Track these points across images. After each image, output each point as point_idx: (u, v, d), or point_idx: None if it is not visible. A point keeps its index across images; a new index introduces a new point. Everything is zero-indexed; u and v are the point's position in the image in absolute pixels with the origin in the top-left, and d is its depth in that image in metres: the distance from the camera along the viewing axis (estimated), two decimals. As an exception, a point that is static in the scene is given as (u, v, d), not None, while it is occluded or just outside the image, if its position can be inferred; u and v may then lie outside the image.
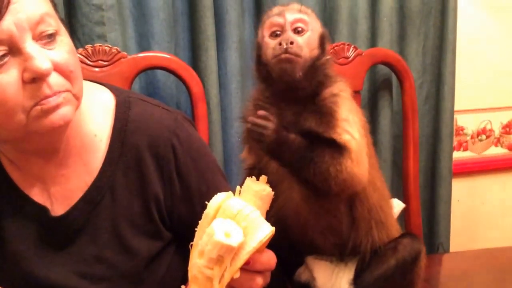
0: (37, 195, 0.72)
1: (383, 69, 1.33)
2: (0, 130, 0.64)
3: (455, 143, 1.51)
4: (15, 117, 0.61)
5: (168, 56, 1.11)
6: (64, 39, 0.64)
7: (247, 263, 0.57)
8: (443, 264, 1.28)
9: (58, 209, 0.72)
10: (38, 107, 0.61)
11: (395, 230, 0.85)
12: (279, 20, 0.75)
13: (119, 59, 1.06)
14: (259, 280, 0.61)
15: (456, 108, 1.38)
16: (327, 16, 1.30)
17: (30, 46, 0.60)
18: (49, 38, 0.62)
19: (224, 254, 0.55)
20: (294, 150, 0.70)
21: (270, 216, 0.59)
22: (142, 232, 0.74)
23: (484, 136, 1.56)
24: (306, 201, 0.77)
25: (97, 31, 1.07)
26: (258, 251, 0.58)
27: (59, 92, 0.62)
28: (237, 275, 0.57)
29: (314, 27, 0.76)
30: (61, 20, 0.67)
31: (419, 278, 0.83)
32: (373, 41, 1.31)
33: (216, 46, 1.17)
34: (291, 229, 0.79)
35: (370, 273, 0.79)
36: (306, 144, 0.71)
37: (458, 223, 1.50)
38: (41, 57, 0.60)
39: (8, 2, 0.58)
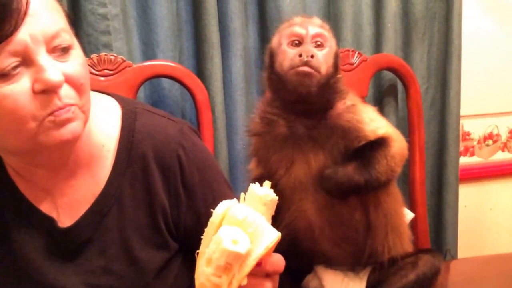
0: (44, 206, 0.72)
1: (388, 75, 1.33)
2: (10, 140, 0.65)
3: (461, 149, 1.51)
4: (26, 125, 0.62)
5: (173, 65, 1.12)
6: (77, 52, 0.65)
7: (258, 264, 0.57)
8: (451, 270, 1.27)
9: (65, 220, 0.72)
10: (52, 118, 0.62)
11: (408, 237, 0.85)
12: (300, 30, 0.75)
13: (125, 68, 1.07)
14: (268, 285, 0.61)
15: (462, 113, 1.38)
16: (331, 23, 1.30)
17: (43, 59, 0.61)
18: (63, 52, 0.63)
19: (232, 261, 0.56)
20: (354, 178, 0.73)
21: (281, 229, 0.59)
22: (150, 243, 0.74)
23: (490, 141, 1.56)
24: (320, 213, 0.77)
25: (103, 40, 1.09)
26: (266, 254, 0.58)
27: (69, 105, 0.63)
28: (245, 281, 0.57)
29: (331, 44, 0.78)
30: (74, 33, 0.67)
31: None
32: (377, 47, 1.32)
33: (220, 54, 1.18)
34: (303, 242, 0.79)
35: (388, 286, 0.79)
36: (357, 165, 0.73)
37: (466, 229, 1.50)
38: (53, 70, 0.61)
39: (25, 14, 0.59)
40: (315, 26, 0.77)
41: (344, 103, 0.78)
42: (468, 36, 1.40)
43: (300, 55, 0.73)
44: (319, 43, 0.76)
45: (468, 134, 1.54)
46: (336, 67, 0.78)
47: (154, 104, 1.18)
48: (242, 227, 0.57)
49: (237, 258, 0.55)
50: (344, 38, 1.28)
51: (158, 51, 1.15)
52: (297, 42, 0.75)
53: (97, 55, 1.06)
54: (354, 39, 1.29)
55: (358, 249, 0.79)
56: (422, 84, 1.35)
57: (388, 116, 1.33)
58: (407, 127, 1.31)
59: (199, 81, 1.13)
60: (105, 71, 1.06)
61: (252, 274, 0.57)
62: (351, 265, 0.81)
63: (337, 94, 0.78)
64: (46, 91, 0.61)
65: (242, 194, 0.61)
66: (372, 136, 0.76)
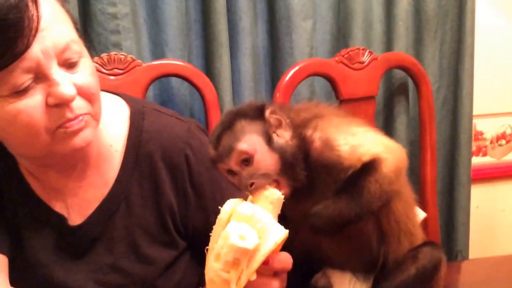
0: (55, 204, 0.74)
1: (399, 74, 1.33)
2: (24, 149, 0.68)
3: (473, 148, 1.51)
4: (39, 138, 0.64)
5: (182, 64, 1.13)
6: (86, 61, 0.67)
7: (265, 263, 0.58)
8: (462, 271, 1.27)
9: (75, 218, 0.74)
10: (62, 130, 0.64)
11: (421, 239, 0.84)
12: (224, 166, 0.68)
13: (134, 67, 1.09)
14: (276, 284, 0.62)
15: (474, 112, 1.38)
16: (341, 21, 1.31)
17: (56, 73, 0.62)
18: (73, 63, 0.64)
19: (240, 256, 0.57)
20: (345, 213, 0.68)
21: (292, 249, 0.59)
22: (157, 241, 0.76)
23: (503, 141, 1.55)
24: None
25: (112, 40, 1.11)
26: (274, 252, 0.60)
27: (81, 115, 0.65)
28: (254, 277, 0.58)
29: (256, 143, 0.67)
30: (81, 37, 0.69)
31: (439, 287, 0.82)
32: (388, 46, 1.32)
33: (229, 53, 1.19)
34: (316, 261, 0.78)
35: (389, 281, 0.79)
36: (347, 198, 0.69)
37: (477, 230, 1.50)
38: (66, 84, 0.62)
39: (36, 31, 0.60)
40: (233, 155, 0.67)
41: (317, 136, 0.71)
42: (481, 34, 1.39)
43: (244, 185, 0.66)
44: (246, 162, 0.67)
45: (481, 133, 1.53)
46: (270, 142, 0.68)
47: (163, 103, 1.20)
48: (251, 223, 0.58)
49: (245, 254, 0.57)
50: (354, 36, 1.28)
51: (167, 50, 1.17)
52: (231, 173, 0.69)
53: (107, 54, 1.08)
54: (365, 37, 1.30)
55: (372, 258, 0.79)
56: (434, 83, 1.35)
57: (399, 115, 1.34)
58: (418, 127, 1.31)
59: (208, 80, 1.14)
60: (115, 70, 1.08)
61: (259, 273, 0.59)
62: (368, 271, 0.81)
63: (307, 126, 0.71)
64: (59, 104, 0.63)
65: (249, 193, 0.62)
66: (358, 164, 0.70)
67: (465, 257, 1.41)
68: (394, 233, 0.78)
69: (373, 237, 0.76)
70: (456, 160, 1.38)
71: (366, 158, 0.71)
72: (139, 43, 1.15)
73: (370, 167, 0.70)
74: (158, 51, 1.18)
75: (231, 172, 0.68)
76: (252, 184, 0.65)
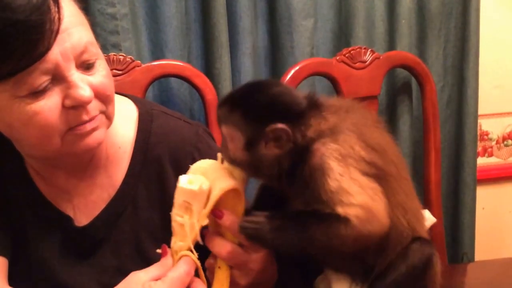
0: (62, 205, 0.78)
1: (402, 73, 1.37)
2: (36, 150, 0.72)
3: (479, 149, 1.54)
4: (51, 140, 0.67)
5: (181, 64, 1.18)
6: (102, 63, 0.71)
7: (219, 216, 0.65)
8: (467, 274, 1.30)
9: (81, 219, 0.78)
10: (73, 133, 0.68)
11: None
12: None
13: (133, 68, 1.13)
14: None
15: (480, 112, 1.42)
16: (343, 19, 1.35)
17: (74, 75, 0.66)
18: (90, 64, 0.68)
19: (190, 200, 0.65)
20: (266, 237, 0.67)
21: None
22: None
23: (510, 141, 1.59)
24: None
25: (112, 40, 1.15)
26: (226, 208, 0.66)
27: (95, 116, 0.69)
28: (205, 222, 0.66)
29: (235, 137, 0.68)
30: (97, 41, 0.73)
31: (435, 284, 0.84)
32: (391, 44, 1.36)
33: (229, 53, 1.23)
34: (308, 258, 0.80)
35: (381, 281, 0.82)
36: (301, 226, 0.68)
37: (483, 232, 1.53)
38: (84, 86, 0.66)
39: (57, 33, 0.63)
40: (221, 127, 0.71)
41: (318, 156, 0.68)
42: (486, 33, 1.42)
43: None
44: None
45: (487, 133, 1.57)
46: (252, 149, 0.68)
47: (163, 104, 1.22)
48: (207, 176, 0.66)
49: (193, 196, 0.65)
50: (356, 35, 1.32)
51: (167, 50, 1.20)
52: None
53: (106, 55, 1.12)
54: (367, 36, 1.34)
55: (367, 265, 0.79)
56: (438, 82, 1.39)
57: (402, 115, 1.38)
58: (421, 127, 1.35)
59: (207, 80, 1.18)
60: (115, 71, 1.11)
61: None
62: (361, 276, 0.84)
63: (303, 145, 0.69)
64: (76, 107, 0.66)
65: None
66: (327, 209, 0.68)
67: (471, 259, 1.44)
68: (395, 246, 0.77)
69: (371, 247, 0.75)
70: (461, 160, 1.42)
71: (338, 210, 0.67)
72: (138, 43, 1.19)
73: (332, 219, 0.68)
74: (157, 52, 1.22)
75: None
76: (222, 159, 0.71)
